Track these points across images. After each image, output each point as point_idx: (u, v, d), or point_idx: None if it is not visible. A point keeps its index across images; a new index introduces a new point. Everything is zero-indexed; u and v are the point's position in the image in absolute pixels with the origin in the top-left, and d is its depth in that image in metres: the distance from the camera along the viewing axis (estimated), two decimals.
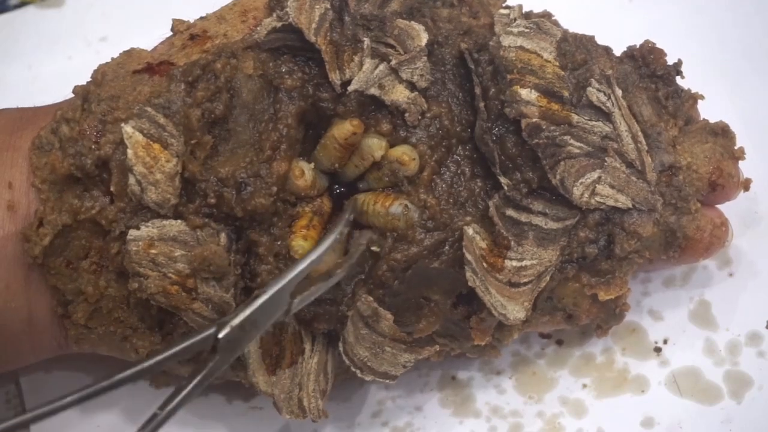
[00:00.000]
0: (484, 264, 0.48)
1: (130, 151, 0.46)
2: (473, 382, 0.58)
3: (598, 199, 0.49)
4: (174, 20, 0.52)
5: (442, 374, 0.58)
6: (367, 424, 0.56)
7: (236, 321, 0.44)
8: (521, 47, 0.50)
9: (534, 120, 0.48)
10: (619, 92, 0.51)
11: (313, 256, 0.46)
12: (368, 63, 0.49)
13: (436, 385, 0.58)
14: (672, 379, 0.57)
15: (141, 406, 0.57)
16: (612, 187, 0.49)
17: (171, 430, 0.56)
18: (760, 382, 0.56)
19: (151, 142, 0.46)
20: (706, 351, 0.58)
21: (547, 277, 0.50)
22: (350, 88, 0.48)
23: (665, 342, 0.58)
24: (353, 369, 0.49)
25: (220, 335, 0.43)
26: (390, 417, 0.57)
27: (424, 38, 0.50)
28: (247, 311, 0.44)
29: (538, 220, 0.49)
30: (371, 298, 0.48)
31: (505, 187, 0.49)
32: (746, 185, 0.55)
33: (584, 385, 0.57)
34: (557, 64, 0.50)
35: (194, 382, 0.43)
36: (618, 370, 0.57)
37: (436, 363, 0.57)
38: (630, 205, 0.50)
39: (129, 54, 0.51)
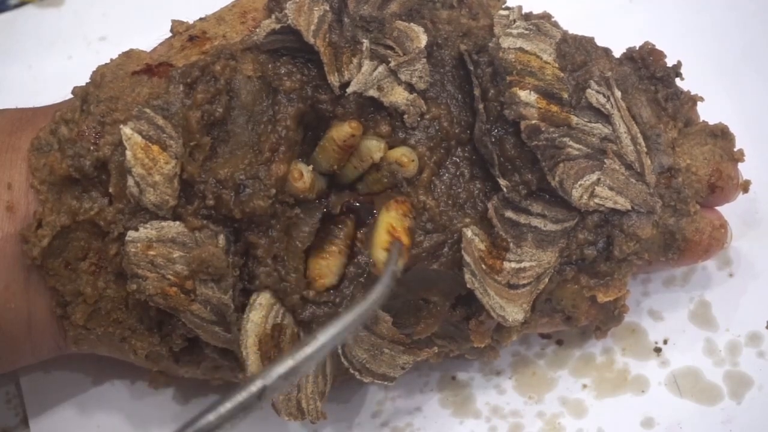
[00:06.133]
0: (483, 266, 0.48)
1: (128, 153, 0.46)
2: (473, 383, 0.58)
3: (597, 200, 0.49)
4: (173, 21, 0.52)
5: (442, 374, 0.58)
6: (366, 425, 0.56)
7: (281, 371, 0.39)
8: (521, 49, 0.50)
9: (533, 122, 0.48)
10: (618, 94, 0.51)
11: (362, 308, 0.42)
12: (367, 65, 0.49)
13: (436, 386, 0.58)
14: (672, 379, 0.57)
15: (141, 406, 0.57)
16: (611, 188, 0.49)
17: (171, 429, 0.57)
18: (760, 382, 0.56)
19: (149, 144, 0.46)
20: (706, 351, 0.58)
21: (546, 279, 0.50)
22: (349, 89, 0.48)
23: (665, 342, 0.58)
24: (352, 371, 0.49)
25: (267, 384, 0.39)
26: (390, 417, 0.57)
27: (423, 40, 0.49)
28: (293, 362, 0.40)
29: (537, 222, 0.49)
30: None
31: (504, 189, 0.49)
32: (745, 187, 0.55)
33: (584, 386, 0.57)
34: (557, 65, 0.50)
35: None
36: (618, 370, 0.57)
37: (436, 363, 0.57)
38: (629, 207, 0.50)
39: (128, 55, 0.51)
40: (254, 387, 0.38)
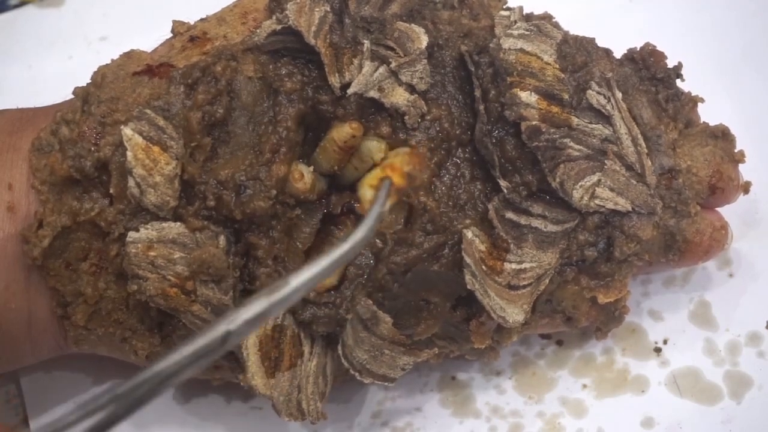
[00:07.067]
0: (484, 267, 0.48)
1: (129, 154, 0.46)
2: (473, 383, 0.58)
3: (597, 201, 0.49)
4: (174, 22, 0.52)
5: (442, 375, 0.58)
6: (367, 425, 0.56)
7: (248, 316, 0.36)
8: (521, 49, 0.50)
9: (534, 123, 0.48)
10: (619, 95, 0.51)
11: (338, 252, 0.37)
12: (368, 65, 0.48)
13: (436, 386, 0.58)
14: (672, 379, 0.57)
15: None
16: (612, 190, 0.49)
17: (171, 429, 0.57)
18: (760, 382, 0.56)
19: (150, 145, 0.46)
20: (706, 351, 0.58)
21: (547, 280, 0.50)
22: (350, 90, 0.48)
23: (665, 342, 0.58)
24: (352, 372, 0.49)
25: (232, 329, 0.36)
26: (390, 417, 0.57)
27: (424, 41, 0.49)
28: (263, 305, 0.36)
29: (537, 223, 0.49)
30: (370, 302, 0.48)
31: (505, 190, 0.49)
32: (746, 188, 0.55)
33: (584, 386, 0.57)
34: (557, 66, 0.50)
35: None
36: (618, 370, 0.57)
37: (436, 364, 0.57)
38: (629, 208, 0.50)
39: (129, 55, 0.51)
40: (218, 332, 0.35)
